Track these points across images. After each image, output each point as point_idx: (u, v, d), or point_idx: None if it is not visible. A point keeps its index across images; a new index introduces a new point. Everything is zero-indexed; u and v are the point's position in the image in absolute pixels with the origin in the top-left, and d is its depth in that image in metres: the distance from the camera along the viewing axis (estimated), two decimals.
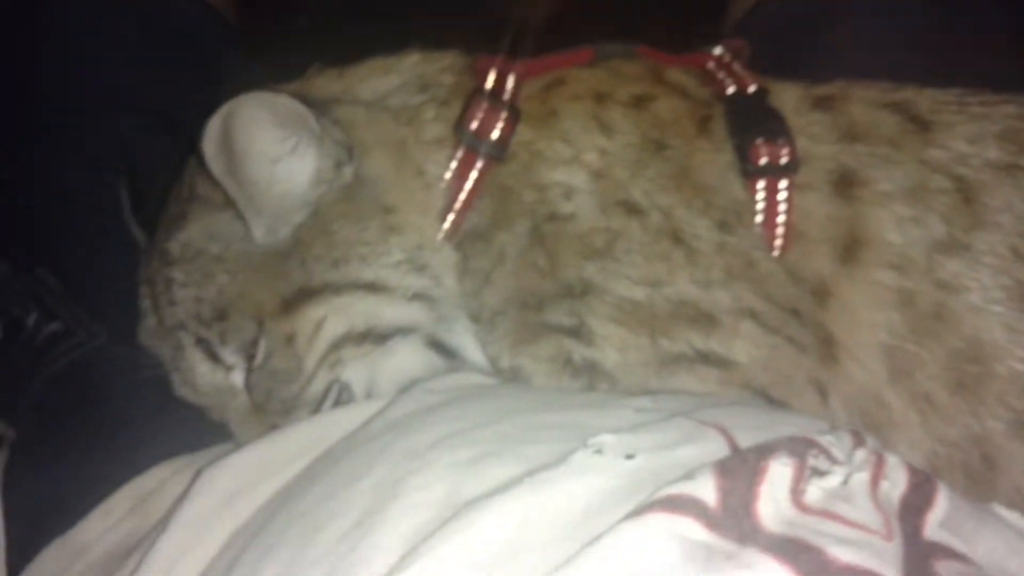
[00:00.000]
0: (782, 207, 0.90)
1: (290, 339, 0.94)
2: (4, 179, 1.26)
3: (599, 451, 0.65)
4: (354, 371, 0.97)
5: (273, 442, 0.91)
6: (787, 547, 0.47)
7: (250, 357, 0.95)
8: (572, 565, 0.48)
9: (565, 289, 0.91)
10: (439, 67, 0.98)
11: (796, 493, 0.51)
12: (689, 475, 0.52)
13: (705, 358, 0.88)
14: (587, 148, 0.90)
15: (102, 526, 1.02)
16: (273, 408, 0.96)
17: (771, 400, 0.87)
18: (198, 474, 0.90)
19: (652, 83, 0.97)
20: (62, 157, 1.25)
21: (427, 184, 0.97)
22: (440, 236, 0.96)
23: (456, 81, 0.95)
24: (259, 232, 0.94)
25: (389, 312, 0.94)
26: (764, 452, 0.52)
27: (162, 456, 1.07)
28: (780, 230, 0.90)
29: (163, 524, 0.89)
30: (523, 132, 0.92)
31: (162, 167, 1.19)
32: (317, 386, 0.96)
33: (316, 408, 0.97)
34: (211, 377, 0.98)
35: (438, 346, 0.97)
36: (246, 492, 0.86)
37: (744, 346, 0.85)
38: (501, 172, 0.95)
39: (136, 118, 1.29)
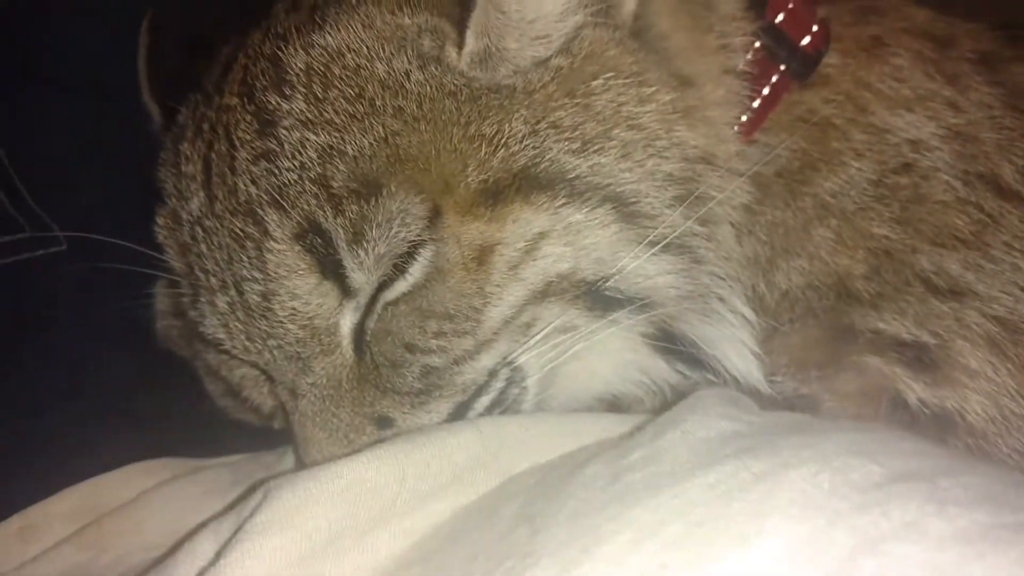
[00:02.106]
0: None
1: (483, 254, 0.55)
2: None
3: None
4: (535, 357, 0.59)
5: (415, 448, 0.51)
6: None
7: (391, 277, 0.55)
8: None
9: (920, 282, 0.60)
10: None
11: None
12: None
13: None
14: (932, 96, 0.68)
15: (16, 555, 0.58)
16: (403, 384, 0.57)
17: None
18: (264, 493, 0.50)
19: (997, 43, 0.73)
20: None
21: (728, 66, 0.65)
22: (736, 150, 0.62)
23: None
24: (473, 47, 0.56)
25: (631, 261, 0.57)
26: None
27: (131, 453, 0.67)
28: None
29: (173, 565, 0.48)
30: (832, 55, 0.68)
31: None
32: (487, 360, 0.58)
33: (462, 406, 0.58)
34: (307, 304, 0.57)
35: (671, 344, 0.60)
36: (363, 536, 0.50)
37: None
38: (810, 97, 0.67)
39: None
